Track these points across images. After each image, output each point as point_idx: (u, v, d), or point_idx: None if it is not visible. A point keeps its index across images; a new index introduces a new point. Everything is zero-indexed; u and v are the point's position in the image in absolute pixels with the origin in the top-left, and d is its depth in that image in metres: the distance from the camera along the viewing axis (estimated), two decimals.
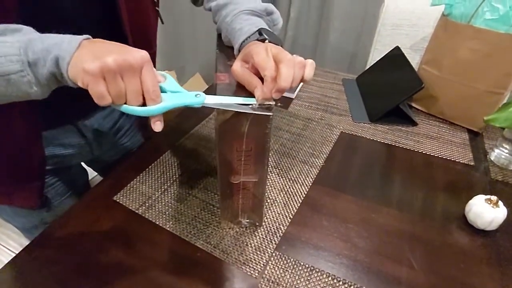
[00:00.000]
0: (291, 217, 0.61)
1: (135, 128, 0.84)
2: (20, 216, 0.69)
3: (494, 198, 0.58)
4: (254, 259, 0.54)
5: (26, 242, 0.57)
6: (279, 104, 0.94)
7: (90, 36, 0.38)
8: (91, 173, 0.87)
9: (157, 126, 0.39)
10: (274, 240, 0.57)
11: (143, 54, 0.37)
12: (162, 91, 0.40)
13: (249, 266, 0.53)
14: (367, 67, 1.10)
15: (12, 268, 0.53)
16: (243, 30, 0.50)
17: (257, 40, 0.48)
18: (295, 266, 0.53)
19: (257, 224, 0.60)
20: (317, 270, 0.53)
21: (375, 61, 1.05)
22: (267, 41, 0.48)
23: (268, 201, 0.64)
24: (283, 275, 0.52)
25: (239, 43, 0.50)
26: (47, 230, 0.58)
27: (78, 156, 0.71)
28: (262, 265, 0.53)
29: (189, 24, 1.84)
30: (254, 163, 0.49)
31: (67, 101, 0.50)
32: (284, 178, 0.70)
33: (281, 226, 0.59)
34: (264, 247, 0.56)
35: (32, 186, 0.63)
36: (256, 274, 0.52)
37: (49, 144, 0.63)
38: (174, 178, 0.69)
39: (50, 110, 0.51)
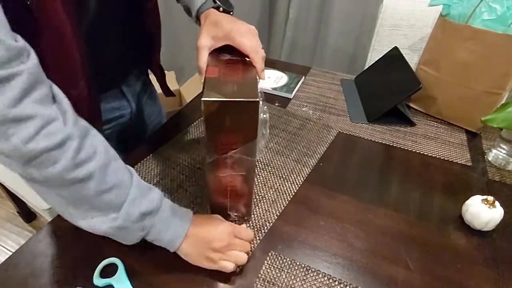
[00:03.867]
0: (278, 214, 0.62)
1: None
2: None
3: (490, 198, 0.58)
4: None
5: (23, 242, 0.57)
6: (276, 103, 0.94)
7: (185, 234, 0.49)
8: None
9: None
10: (259, 236, 0.58)
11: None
12: None
13: None
14: (366, 67, 1.10)
15: (7, 267, 0.52)
16: None
17: (212, 7, 0.57)
18: (291, 266, 0.53)
19: (246, 218, 0.60)
20: (313, 270, 0.53)
21: (373, 62, 1.05)
22: (221, 8, 0.57)
23: (257, 197, 0.65)
24: (279, 275, 0.52)
25: (196, 10, 0.58)
26: (45, 228, 0.58)
27: (120, 120, 0.74)
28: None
29: (188, 24, 1.84)
30: (248, 154, 0.49)
31: (112, 65, 0.62)
32: (275, 176, 0.70)
33: (267, 223, 0.60)
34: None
35: None
36: (238, 269, 0.52)
37: None
38: (167, 171, 0.70)
39: (101, 76, 0.56)
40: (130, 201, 0.44)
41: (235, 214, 0.59)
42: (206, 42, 0.53)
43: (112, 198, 0.43)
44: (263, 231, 0.58)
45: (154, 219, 0.47)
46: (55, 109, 0.39)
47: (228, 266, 0.49)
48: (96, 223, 0.44)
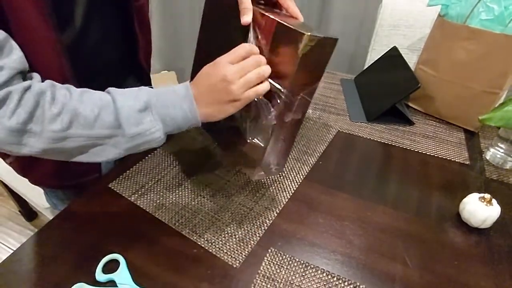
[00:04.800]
0: (278, 212, 0.62)
1: None
2: (70, 200, 0.74)
3: (487, 196, 0.59)
4: (237, 250, 0.55)
5: (25, 240, 0.58)
6: None
7: (185, 90, 0.46)
8: None
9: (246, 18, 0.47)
10: (258, 233, 0.58)
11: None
12: None
13: (231, 256, 0.54)
14: (365, 67, 1.11)
15: (10, 263, 0.53)
16: None
17: None
18: (290, 262, 0.54)
19: (280, 170, 0.58)
20: (312, 266, 0.54)
21: (373, 62, 1.05)
22: None
23: (257, 195, 0.66)
24: (278, 271, 0.53)
25: None
26: (47, 225, 0.59)
27: None
28: (243, 256, 0.54)
29: (189, 25, 1.84)
30: (309, 96, 0.50)
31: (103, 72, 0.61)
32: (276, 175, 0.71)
33: (267, 220, 0.61)
34: (247, 239, 0.57)
35: (94, 167, 0.71)
36: (237, 264, 0.53)
37: None
38: (169, 170, 0.71)
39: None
40: (121, 109, 0.44)
41: (276, 166, 0.56)
42: None
43: (106, 119, 0.43)
44: (263, 228, 0.59)
45: (157, 105, 0.45)
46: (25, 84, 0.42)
47: (252, 93, 0.45)
48: (110, 152, 0.46)
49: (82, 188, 0.71)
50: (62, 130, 0.42)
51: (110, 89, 0.47)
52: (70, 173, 0.69)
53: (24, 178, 0.72)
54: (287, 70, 0.46)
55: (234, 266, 0.53)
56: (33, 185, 0.76)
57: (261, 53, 0.47)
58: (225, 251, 0.55)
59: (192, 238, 0.57)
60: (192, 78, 0.49)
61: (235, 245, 0.56)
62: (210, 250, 0.55)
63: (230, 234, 0.58)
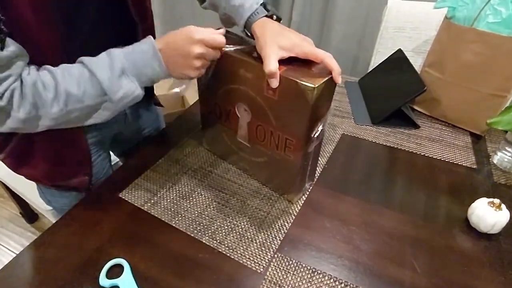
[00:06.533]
0: (293, 217, 0.62)
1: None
2: (63, 197, 0.75)
3: (497, 201, 0.58)
4: (259, 255, 0.55)
5: (27, 243, 0.57)
6: None
7: (153, 49, 0.51)
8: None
9: (274, 82, 0.50)
10: (279, 237, 0.58)
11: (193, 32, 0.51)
12: None
13: (254, 262, 0.54)
14: (370, 69, 1.10)
15: (13, 267, 0.53)
16: (245, 7, 0.57)
17: (266, 16, 0.56)
18: (297, 267, 0.53)
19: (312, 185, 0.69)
20: (319, 272, 0.53)
21: (377, 64, 1.05)
22: (274, 16, 0.57)
23: (270, 201, 0.65)
24: (285, 276, 0.52)
25: (245, 19, 0.57)
26: (51, 228, 0.58)
27: (113, 125, 0.74)
28: (267, 261, 0.54)
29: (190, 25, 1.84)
30: (324, 125, 0.57)
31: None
32: None
33: (285, 223, 0.60)
34: (268, 243, 0.57)
35: (84, 168, 0.71)
36: (261, 269, 0.53)
37: None
38: (179, 176, 0.70)
39: None
40: (101, 80, 0.49)
41: (309, 184, 0.66)
42: (276, 51, 0.51)
43: (92, 92, 0.50)
44: (281, 232, 0.59)
45: (130, 68, 0.51)
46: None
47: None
48: (105, 114, 0.53)
49: (76, 190, 0.72)
50: (61, 109, 0.49)
51: (83, 60, 0.50)
52: (60, 174, 0.69)
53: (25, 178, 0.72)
54: (301, 116, 0.51)
55: (259, 271, 0.53)
56: (34, 187, 0.76)
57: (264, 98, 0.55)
58: (247, 256, 0.55)
59: (212, 245, 0.56)
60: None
61: (256, 250, 0.56)
62: (229, 255, 0.54)
63: (250, 240, 0.57)
